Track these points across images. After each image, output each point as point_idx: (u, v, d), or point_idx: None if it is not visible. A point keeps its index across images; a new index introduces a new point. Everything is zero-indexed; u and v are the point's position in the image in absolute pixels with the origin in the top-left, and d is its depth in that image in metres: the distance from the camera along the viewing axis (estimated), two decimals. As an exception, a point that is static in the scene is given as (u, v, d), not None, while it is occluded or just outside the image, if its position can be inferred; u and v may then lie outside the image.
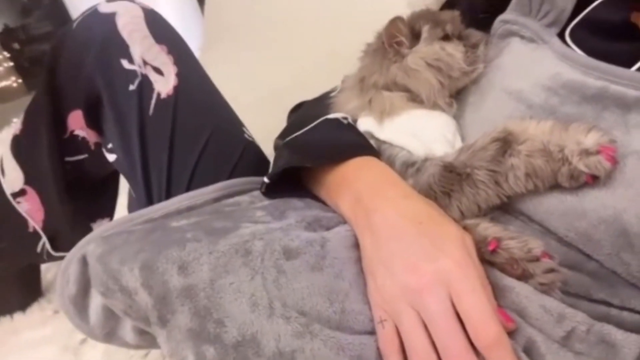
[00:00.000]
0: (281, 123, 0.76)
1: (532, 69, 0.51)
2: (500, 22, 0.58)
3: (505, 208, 0.48)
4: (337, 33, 0.90)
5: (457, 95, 0.58)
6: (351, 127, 0.58)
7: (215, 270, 0.38)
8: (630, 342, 0.39)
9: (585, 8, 0.54)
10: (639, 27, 0.50)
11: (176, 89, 0.61)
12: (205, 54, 1.19)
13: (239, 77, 1.07)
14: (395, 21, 0.56)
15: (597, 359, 0.39)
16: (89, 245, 0.45)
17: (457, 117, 0.57)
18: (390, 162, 0.54)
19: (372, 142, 0.57)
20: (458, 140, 0.55)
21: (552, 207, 0.44)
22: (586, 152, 0.42)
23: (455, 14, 0.58)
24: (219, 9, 1.23)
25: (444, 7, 0.69)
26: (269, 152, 0.70)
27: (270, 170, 0.57)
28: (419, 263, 0.40)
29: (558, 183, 0.44)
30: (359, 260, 0.46)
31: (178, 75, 0.61)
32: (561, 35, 0.54)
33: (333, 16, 0.95)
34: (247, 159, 0.65)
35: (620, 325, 0.41)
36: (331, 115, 0.60)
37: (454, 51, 0.55)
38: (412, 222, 0.44)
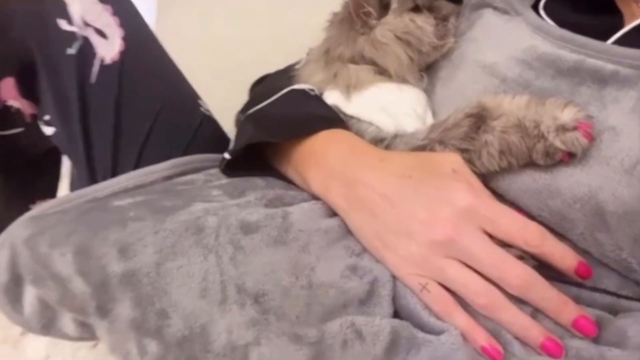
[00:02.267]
0: (243, 97, 0.71)
1: (506, 41, 0.49)
2: None
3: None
4: (303, 1, 0.85)
5: (427, 69, 0.55)
6: (318, 99, 0.54)
7: (162, 252, 0.34)
8: None
9: None
10: (614, 3, 0.49)
11: (122, 54, 0.55)
12: (159, 19, 1.11)
13: (197, 46, 1.00)
14: None
15: None
16: (17, 227, 0.40)
17: (428, 92, 0.54)
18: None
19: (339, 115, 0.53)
20: (429, 115, 0.52)
21: (525, 185, 0.42)
22: (563, 128, 0.40)
23: None
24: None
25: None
26: (229, 128, 0.65)
27: (231, 145, 0.53)
28: (434, 214, 0.39)
29: (533, 160, 0.42)
30: (328, 231, 0.42)
31: (124, 39, 0.55)
32: (535, 8, 0.52)
33: None
34: (204, 134, 0.60)
35: (592, 306, 0.40)
36: (297, 86, 0.56)
37: (424, 24, 0.51)
38: (402, 179, 0.42)
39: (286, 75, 0.61)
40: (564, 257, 0.38)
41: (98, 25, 0.53)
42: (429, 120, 0.51)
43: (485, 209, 0.39)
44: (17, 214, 0.70)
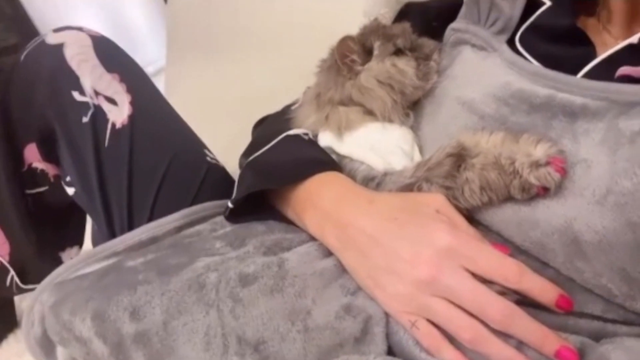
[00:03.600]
0: (248, 134, 0.75)
1: (483, 78, 0.51)
2: (451, 31, 0.58)
3: (465, 218, 0.48)
4: (300, 45, 0.90)
5: (413, 106, 0.58)
6: (312, 143, 0.58)
7: (168, 311, 0.38)
8: None
9: (533, 13, 0.54)
10: (585, 33, 0.51)
11: (131, 117, 0.60)
12: (170, 65, 1.18)
13: (205, 89, 1.06)
14: (346, 40, 0.56)
15: None
16: (43, 293, 0.44)
17: (415, 128, 0.57)
18: (352, 177, 0.54)
19: (333, 156, 0.57)
20: (416, 151, 0.55)
21: (507, 217, 0.45)
22: (536, 164, 0.42)
23: (406, 26, 0.58)
24: (180, 19, 1.21)
25: (398, 15, 0.69)
26: (237, 164, 0.69)
27: (234, 193, 0.57)
28: (417, 254, 0.41)
29: (511, 195, 0.44)
30: (323, 272, 0.46)
31: (132, 103, 0.60)
32: (512, 41, 0.54)
33: (294, 28, 0.94)
34: (211, 182, 0.64)
35: (578, 333, 0.41)
36: (292, 132, 0.59)
37: (406, 67, 0.54)
38: (388, 222, 0.44)
39: (284, 117, 0.65)
40: (544, 291, 0.40)
41: (108, 94, 0.59)
42: (417, 156, 0.54)
43: (464, 248, 0.41)
44: (49, 262, 0.77)
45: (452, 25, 0.58)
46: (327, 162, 0.54)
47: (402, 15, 0.68)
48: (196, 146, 0.66)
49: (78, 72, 0.58)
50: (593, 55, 0.49)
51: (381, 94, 0.54)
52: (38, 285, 0.49)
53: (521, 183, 0.43)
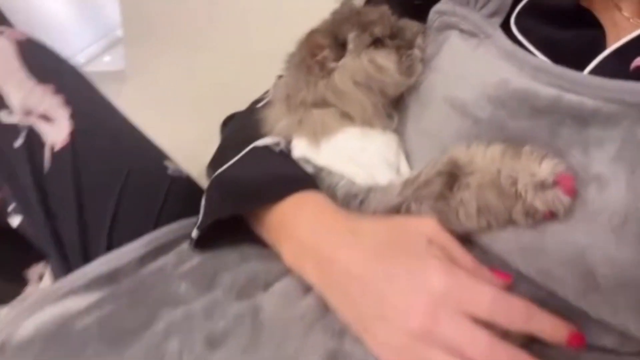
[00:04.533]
0: (216, 129, 0.68)
1: (475, 74, 0.44)
2: (435, 14, 0.50)
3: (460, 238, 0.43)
4: (267, 29, 0.80)
5: (396, 104, 0.51)
6: (283, 156, 0.51)
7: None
8: None
9: None
10: (592, 12, 0.43)
11: (72, 135, 0.52)
12: (130, 58, 1.07)
13: (168, 79, 0.96)
14: (314, 36, 0.47)
15: None
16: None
17: (400, 131, 0.50)
18: (332, 192, 0.48)
19: (309, 167, 0.50)
20: (402, 160, 0.48)
21: (509, 242, 0.39)
22: (542, 186, 0.36)
23: (384, 10, 0.50)
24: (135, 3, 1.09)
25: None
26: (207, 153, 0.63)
27: (199, 217, 0.50)
28: (409, 301, 0.36)
29: (513, 219, 0.38)
30: (304, 315, 0.41)
31: (73, 117, 0.52)
32: (506, 23, 0.47)
33: (261, 11, 0.84)
34: (175, 197, 0.58)
35: None
36: (260, 142, 0.52)
37: (386, 62, 0.47)
38: (376, 261, 0.39)
39: (253, 116, 0.58)
40: (554, 330, 0.35)
41: (41, 110, 0.50)
42: (403, 166, 0.48)
43: (463, 290, 0.36)
44: (15, 281, 0.71)
45: (437, 7, 0.50)
46: (301, 179, 0.47)
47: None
48: (155, 159, 0.59)
49: (3, 88, 0.49)
50: (602, 41, 0.42)
51: (359, 97, 0.47)
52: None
53: (525, 208, 0.37)
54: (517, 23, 0.46)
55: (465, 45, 0.47)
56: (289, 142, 0.53)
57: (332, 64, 0.49)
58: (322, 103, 0.50)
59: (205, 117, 0.74)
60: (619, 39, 0.42)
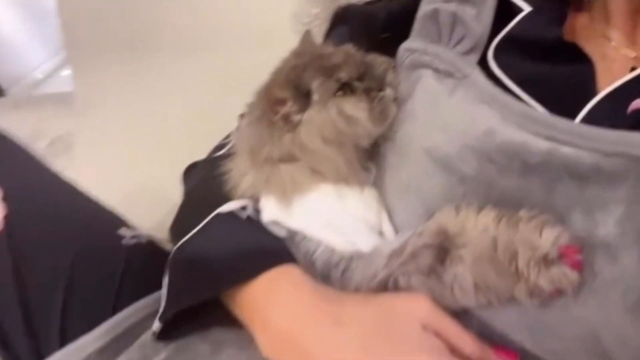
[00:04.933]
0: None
1: (455, 122, 0.40)
2: (405, 52, 0.45)
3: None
4: (223, 49, 0.74)
5: (372, 152, 0.46)
6: (251, 224, 0.45)
7: None
8: None
9: (508, 21, 0.41)
10: (577, 45, 0.39)
11: (7, 218, 0.45)
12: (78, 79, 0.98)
13: (123, 103, 0.88)
14: (273, 90, 0.42)
15: None
16: None
17: (378, 184, 0.45)
18: (309, 261, 0.43)
19: (281, 231, 0.45)
20: (384, 219, 0.44)
21: (513, 320, 0.35)
22: (545, 261, 0.32)
23: (348, 49, 0.45)
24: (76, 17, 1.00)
25: (333, 20, 0.54)
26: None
27: (161, 304, 0.44)
28: None
29: (515, 297, 0.34)
30: None
31: (5, 199, 0.45)
32: (484, 58, 0.42)
33: (217, 30, 0.77)
34: (134, 270, 0.52)
35: None
36: (225, 208, 0.46)
37: (356, 111, 0.42)
38: (362, 356, 0.34)
39: (216, 171, 0.52)
40: None
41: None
42: (386, 226, 0.43)
43: None
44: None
45: (406, 44, 0.45)
46: (273, 253, 0.42)
47: (339, 20, 0.53)
48: (106, 230, 0.53)
49: None
50: (592, 77, 0.38)
51: (330, 155, 0.42)
52: None
53: (529, 288, 0.33)
54: (496, 58, 0.41)
55: (441, 87, 0.42)
56: (256, 201, 0.47)
57: (296, 117, 0.43)
58: (290, 158, 0.45)
59: (167, 145, 0.68)
60: (610, 72, 0.38)
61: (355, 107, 0.42)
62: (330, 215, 0.43)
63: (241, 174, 0.48)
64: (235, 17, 0.73)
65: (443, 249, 0.35)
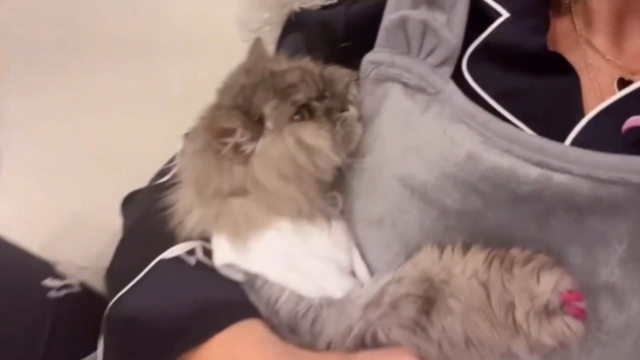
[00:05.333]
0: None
1: (431, 144, 0.35)
2: (370, 64, 0.40)
3: None
4: (163, 56, 0.66)
5: (338, 180, 0.40)
6: (202, 271, 0.39)
7: None
8: None
9: (482, 28, 0.37)
10: (561, 55, 0.35)
11: None
12: None
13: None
14: (218, 119, 0.35)
15: None
16: None
17: (347, 215, 0.40)
18: (272, 310, 0.37)
19: (237, 275, 0.39)
20: (356, 257, 0.38)
21: None
22: (546, 311, 0.28)
23: (304, 64, 0.39)
24: None
25: (285, 27, 0.48)
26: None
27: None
28: None
29: (514, 353, 0.30)
30: None
31: None
32: (458, 69, 0.37)
33: (160, 36, 0.69)
34: (64, 325, 0.44)
35: None
36: (169, 253, 0.40)
37: (316, 140, 0.36)
38: None
39: (158, 205, 0.45)
40: None
41: None
42: (358, 265, 0.38)
43: None
44: None
45: (370, 56, 0.39)
46: (231, 306, 0.36)
47: (292, 26, 0.47)
48: (29, 284, 0.44)
49: None
50: (577, 90, 0.34)
51: (289, 192, 0.36)
52: None
53: (529, 343, 0.28)
54: (470, 69, 0.37)
55: (412, 105, 0.37)
56: (207, 241, 0.41)
57: (248, 147, 0.37)
58: (242, 191, 0.39)
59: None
60: (596, 84, 0.35)
61: (316, 135, 0.36)
62: (293, 256, 0.37)
63: (187, 209, 0.41)
64: (175, 23, 0.65)
65: (428, 299, 0.30)
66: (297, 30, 0.46)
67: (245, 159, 0.37)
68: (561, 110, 0.33)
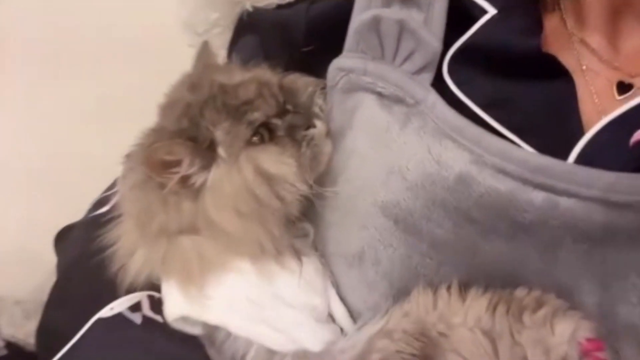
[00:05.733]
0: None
1: (414, 164, 0.30)
2: (339, 71, 0.34)
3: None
4: (101, 62, 0.58)
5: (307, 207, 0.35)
6: (150, 330, 0.32)
7: None
8: None
9: (464, 28, 0.32)
10: (555, 57, 0.31)
11: None
12: None
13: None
14: (159, 150, 0.29)
15: None
16: None
17: (319, 243, 0.34)
18: (238, 367, 0.31)
19: (194, 329, 0.33)
20: (333, 297, 0.33)
21: None
22: (564, 365, 0.24)
23: (261, 75, 0.33)
24: None
25: (237, 30, 0.42)
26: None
27: None
28: None
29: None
30: None
31: None
32: (438, 74, 0.32)
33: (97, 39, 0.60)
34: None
35: None
36: (108, 311, 0.33)
37: (279, 168, 0.30)
38: None
39: (96, 242, 0.38)
40: None
41: None
42: (336, 307, 0.33)
43: None
44: None
45: (338, 62, 0.34)
46: None
47: (245, 29, 0.41)
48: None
49: None
50: (574, 96, 0.30)
51: (248, 232, 0.30)
52: None
53: (546, 404, 0.24)
54: (452, 75, 0.32)
55: (389, 118, 0.32)
56: (156, 288, 0.34)
57: (198, 178, 0.31)
58: (193, 229, 0.33)
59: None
60: (593, 89, 0.31)
61: (278, 161, 0.30)
62: (259, 303, 0.32)
63: (129, 250, 0.35)
64: (113, 27, 0.57)
65: (425, 358, 0.25)
66: (251, 33, 0.40)
67: (195, 193, 0.31)
68: (558, 121, 0.29)
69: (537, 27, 0.31)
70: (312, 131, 0.33)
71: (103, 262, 0.35)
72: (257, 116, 0.31)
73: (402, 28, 0.30)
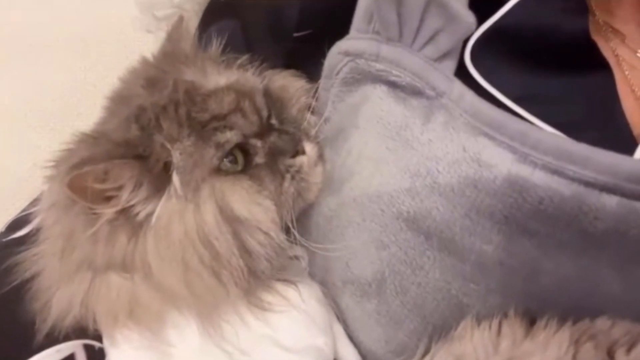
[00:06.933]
0: None
1: (447, 169, 0.24)
2: (343, 56, 0.28)
3: None
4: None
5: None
6: None
7: None
8: None
9: (489, 9, 0.27)
10: (599, 48, 0.27)
11: None
12: None
13: None
14: (90, 174, 0.21)
15: None
16: None
17: (317, 273, 0.27)
18: None
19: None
20: (340, 335, 0.26)
21: None
22: None
23: (244, 81, 0.26)
24: None
25: (205, 17, 0.35)
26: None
27: None
28: None
29: None
30: None
31: None
32: (460, 62, 0.27)
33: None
34: None
35: None
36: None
37: (253, 210, 0.23)
38: None
39: (14, 281, 0.28)
40: None
41: None
42: (343, 349, 0.25)
43: None
44: None
45: (343, 44, 0.27)
46: None
47: (220, 12, 0.34)
48: None
49: None
50: (613, 90, 0.26)
51: (196, 290, 0.22)
52: None
53: None
54: (475, 61, 0.27)
55: (407, 113, 0.26)
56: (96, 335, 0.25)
57: (141, 209, 0.22)
58: (124, 267, 0.24)
59: None
60: (632, 80, 0.27)
61: (251, 201, 0.23)
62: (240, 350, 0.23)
63: (51, 284, 0.26)
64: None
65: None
66: (228, 16, 0.33)
67: (135, 227, 0.22)
68: (601, 116, 0.25)
69: (583, 6, 0.27)
70: (299, 160, 0.26)
71: (21, 298, 0.26)
72: (229, 137, 0.23)
73: (429, 1, 0.25)
